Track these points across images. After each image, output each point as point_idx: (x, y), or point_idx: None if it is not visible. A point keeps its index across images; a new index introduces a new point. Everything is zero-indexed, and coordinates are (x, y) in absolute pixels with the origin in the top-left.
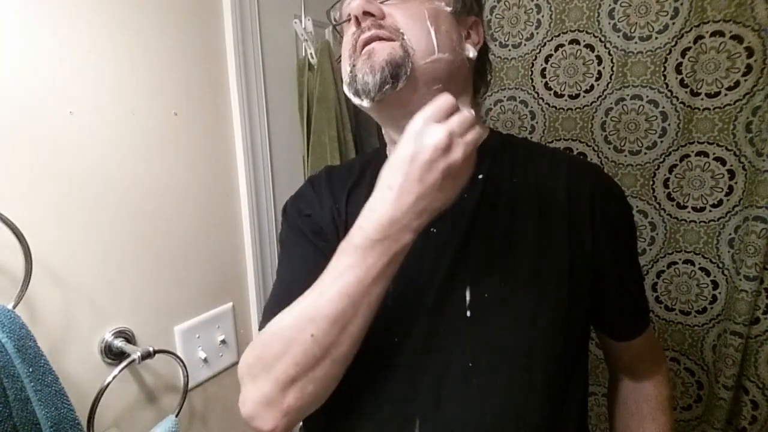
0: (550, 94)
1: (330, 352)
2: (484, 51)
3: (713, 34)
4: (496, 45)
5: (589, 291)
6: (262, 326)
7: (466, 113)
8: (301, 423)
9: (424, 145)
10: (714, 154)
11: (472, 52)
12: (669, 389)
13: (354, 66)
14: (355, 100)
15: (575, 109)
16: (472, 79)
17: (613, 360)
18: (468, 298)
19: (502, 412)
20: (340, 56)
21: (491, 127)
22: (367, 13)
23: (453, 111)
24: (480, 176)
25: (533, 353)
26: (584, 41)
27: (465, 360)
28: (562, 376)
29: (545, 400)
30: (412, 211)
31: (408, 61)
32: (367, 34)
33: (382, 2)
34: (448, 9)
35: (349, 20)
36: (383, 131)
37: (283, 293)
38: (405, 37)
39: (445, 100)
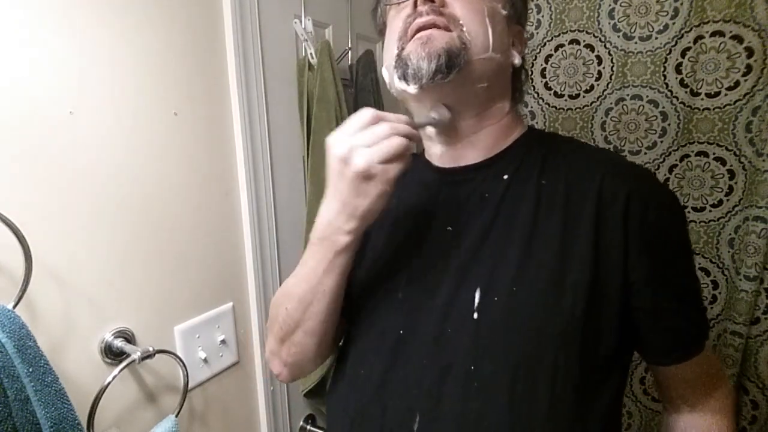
0: (550, 94)
1: (300, 325)
2: (523, 60)
3: (713, 34)
4: None
5: (618, 307)
6: None
7: (381, 126)
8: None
9: (331, 157)
10: (714, 154)
11: (517, 59)
12: (731, 424)
13: (403, 49)
14: (400, 85)
15: (575, 109)
16: (512, 86)
17: (660, 388)
18: (477, 300)
19: (500, 420)
20: (341, 56)
21: (531, 125)
22: None
23: (372, 123)
24: (505, 176)
25: (538, 365)
26: (584, 41)
27: (467, 362)
28: (574, 392)
29: (551, 414)
30: (342, 216)
31: (464, 54)
32: (424, 19)
33: None
34: (504, 12)
35: (399, 3)
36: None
37: None
38: (464, 29)
39: (362, 115)
